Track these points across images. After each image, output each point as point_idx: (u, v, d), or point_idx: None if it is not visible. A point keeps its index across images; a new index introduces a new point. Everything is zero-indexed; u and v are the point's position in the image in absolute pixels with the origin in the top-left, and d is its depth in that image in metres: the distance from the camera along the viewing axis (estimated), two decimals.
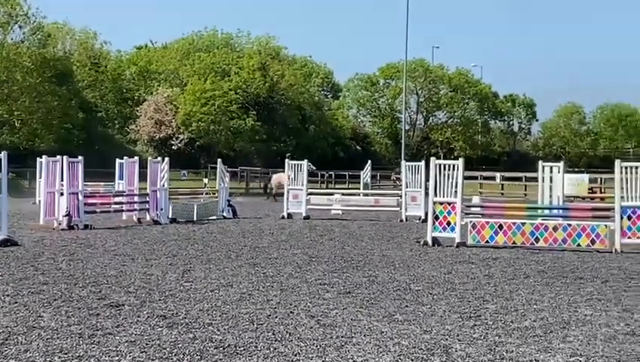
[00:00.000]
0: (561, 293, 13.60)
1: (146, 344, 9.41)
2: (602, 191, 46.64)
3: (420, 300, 12.73)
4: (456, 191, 21.56)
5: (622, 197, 20.54)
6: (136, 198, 29.02)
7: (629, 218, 20.34)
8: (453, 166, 21.82)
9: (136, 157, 31.01)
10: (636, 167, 20.85)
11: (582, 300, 12.95)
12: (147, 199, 28.41)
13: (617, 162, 21.10)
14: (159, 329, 10.23)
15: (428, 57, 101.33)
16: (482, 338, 10.00)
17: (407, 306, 12.15)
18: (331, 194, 37.07)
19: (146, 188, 28.82)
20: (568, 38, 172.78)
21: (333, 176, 67.61)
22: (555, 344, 9.72)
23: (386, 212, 32.87)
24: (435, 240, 21.38)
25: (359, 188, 44.66)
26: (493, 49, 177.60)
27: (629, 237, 20.34)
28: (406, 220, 30.84)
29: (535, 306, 12.33)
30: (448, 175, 21.65)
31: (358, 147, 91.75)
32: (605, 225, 20.57)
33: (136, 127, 79.48)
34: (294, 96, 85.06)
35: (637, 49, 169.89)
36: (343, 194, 37.20)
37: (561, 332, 10.42)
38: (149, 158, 30.68)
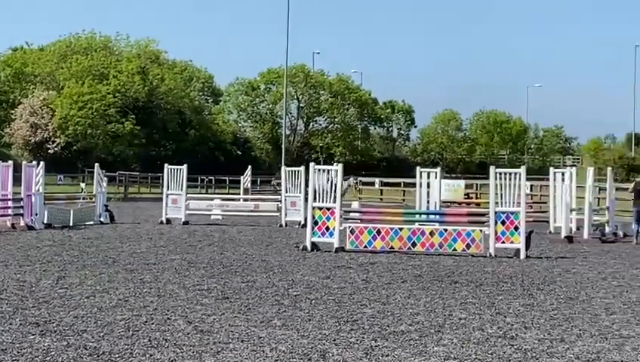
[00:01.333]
0: (437, 297, 13.85)
1: (18, 351, 9.20)
2: (478, 196, 47.59)
3: (298, 305, 12.78)
4: (335, 197, 21.73)
5: (496, 203, 21.05)
6: (9, 203, 28.21)
7: (503, 223, 20.84)
8: (329, 171, 22.00)
9: (10, 162, 30.11)
10: (510, 173, 21.38)
11: (456, 304, 13.22)
12: (21, 204, 27.71)
13: (492, 168, 21.61)
14: (32, 336, 10.01)
15: (309, 63, 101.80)
16: (359, 342, 10.10)
17: (285, 311, 12.18)
18: (211, 199, 36.86)
19: (20, 193, 28.09)
20: (448, 45, 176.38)
21: (213, 180, 67.29)
22: (429, 347, 9.90)
23: (265, 217, 32.85)
24: (314, 245, 21.48)
25: (239, 193, 44.52)
26: (374, 55, 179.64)
27: (502, 242, 20.84)
28: (286, 225, 30.88)
29: (411, 310, 12.52)
30: (328, 179, 21.82)
31: (238, 152, 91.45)
32: (480, 230, 21.04)
33: (11, 130, 77.53)
34: (174, 101, 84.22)
35: (512, 57, 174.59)
36: (222, 199, 37.07)
37: (435, 335, 10.62)
38: (24, 162, 29.93)
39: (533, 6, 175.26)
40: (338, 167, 22.20)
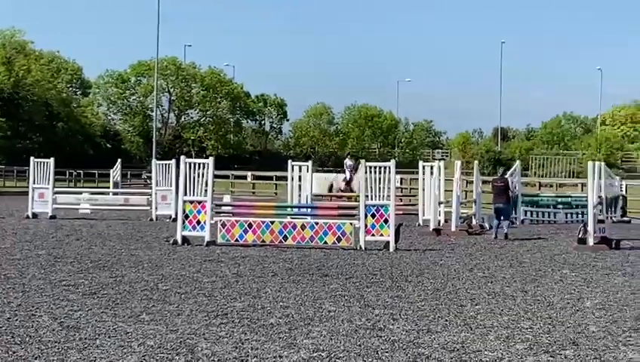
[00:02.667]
0: (307, 290, 13.93)
1: None
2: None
3: (167, 299, 12.67)
4: (206, 190, 21.62)
5: (367, 196, 21.30)
6: None
7: (373, 216, 21.12)
8: (204, 165, 21.87)
9: None
10: (380, 167, 21.66)
11: (326, 296, 13.32)
12: None
13: (362, 162, 21.86)
14: None
15: (180, 55, 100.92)
16: (228, 336, 10.08)
17: (154, 306, 12.06)
18: (79, 193, 36.12)
19: None
20: (320, 39, 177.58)
21: (82, 174, 66.04)
22: (299, 340, 9.95)
23: (136, 211, 32.44)
24: (184, 239, 21.33)
25: (109, 187, 43.80)
26: (246, 49, 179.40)
27: (372, 235, 21.12)
28: (156, 219, 30.57)
29: (281, 303, 12.56)
30: (199, 173, 21.68)
31: (108, 145, 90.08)
32: (351, 223, 21.25)
33: None
34: (41, 92, 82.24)
35: (382, 52, 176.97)
36: (91, 193, 36.36)
37: (305, 328, 10.68)
38: None
39: (404, 1, 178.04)
40: (209, 161, 22.08)
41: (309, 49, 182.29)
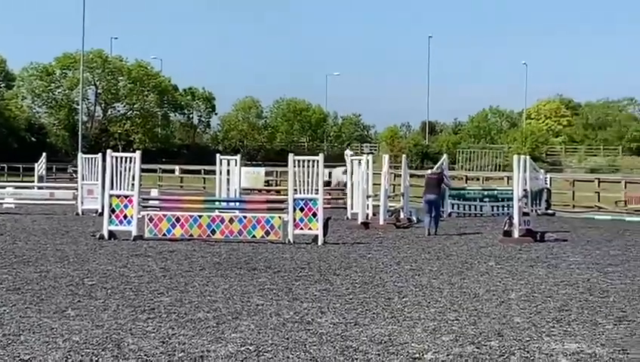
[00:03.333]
0: (235, 284, 13.91)
1: None
2: (278, 183, 48.18)
3: (93, 295, 12.55)
4: (133, 184, 21.44)
5: (295, 190, 21.32)
6: None
7: (302, 210, 21.14)
8: (131, 158, 21.68)
9: None
10: (308, 161, 21.69)
11: (255, 290, 13.32)
12: None
13: (291, 156, 21.87)
14: None
15: (106, 48, 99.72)
16: (155, 331, 10.02)
17: (79, 301, 11.93)
18: (3, 187, 35.50)
19: None
20: (248, 33, 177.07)
21: (5, 168, 64.98)
22: (227, 334, 9.93)
23: (61, 205, 32.02)
24: (111, 233, 21.12)
25: (34, 181, 43.12)
26: (174, 42, 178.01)
27: (301, 228, 21.14)
28: (82, 214, 30.18)
29: (209, 297, 12.52)
30: (125, 167, 21.48)
31: (33, 138, 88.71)
32: (279, 217, 21.25)
33: None
34: None
35: (311, 46, 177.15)
36: (15, 187, 35.78)
37: (233, 322, 10.67)
38: None
39: None
40: (136, 155, 21.89)
41: (238, 43, 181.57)
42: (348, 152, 38.88)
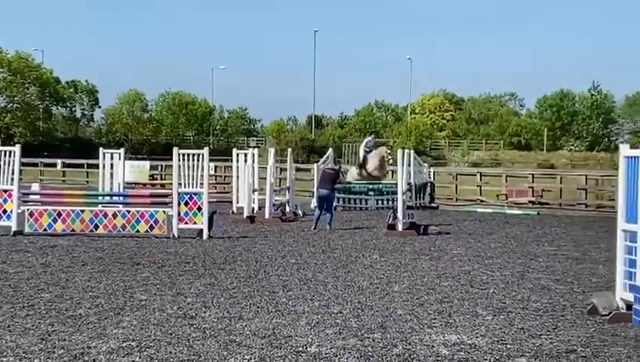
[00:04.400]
0: (118, 279, 13.74)
1: None
2: (163, 177, 47.63)
3: None
4: (12, 179, 20.94)
5: (180, 184, 21.15)
6: None
7: (186, 204, 20.98)
8: (10, 152, 21.17)
9: None
10: (193, 154, 21.54)
11: (138, 285, 13.18)
12: None
13: (175, 149, 21.67)
14: None
15: None
16: (34, 327, 9.82)
17: None
18: None
19: None
20: (133, 25, 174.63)
21: None
22: (109, 330, 9.80)
23: None
24: None
25: None
26: (56, 34, 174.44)
27: (186, 223, 20.99)
28: None
29: (91, 293, 12.34)
30: (5, 161, 20.96)
31: None
32: (164, 211, 21.06)
33: None
34: None
35: (197, 40, 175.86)
36: None
37: (115, 317, 10.53)
38: None
39: None
40: (16, 148, 21.37)
41: (123, 35, 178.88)
42: (369, 141, 36.41)
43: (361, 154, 35.34)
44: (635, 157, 10.82)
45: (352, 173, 35.62)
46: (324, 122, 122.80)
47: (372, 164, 33.89)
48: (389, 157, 34.36)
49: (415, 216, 23.76)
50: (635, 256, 10.85)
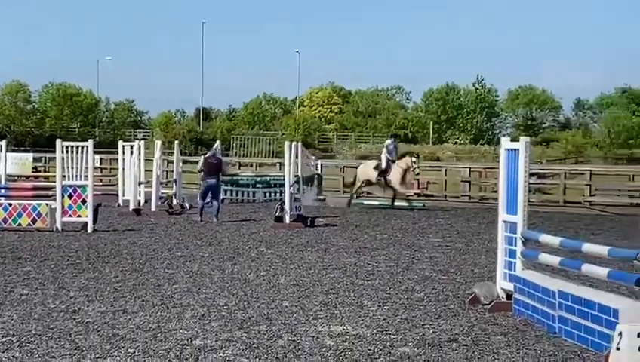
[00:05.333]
0: None
1: None
2: (47, 170, 46.67)
3: None
4: None
5: (64, 177, 20.75)
6: None
7: (70, 196, 20.61)
8: None
9: None
10: (78, 147, 21.17)
11: (19, 280, 12.91)
12: None
13: (59, 141, 21.26)
14: None
15: None
16: None
17: None
18: None
19: None
20: (15, 13, 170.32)
21: None
22: None
23: None
24: None
25: None
26: None
27: (70, 216, 20.62)
28: None
29: None
30: None
31: None
32: (47, 204, 20.63)
33: None
34: None
35: (82, 30, 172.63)
36: None
37: None
38: None
39: None
40: None
41: (4, 24, 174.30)
42: (390, 144, 32.24)
43: (383, 159, 31.05)
44: (515, 150, 11.08)
45: (365, 171, 32.19)
46: (213, 115, 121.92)
47: (396, 177, 30.15)
48: (415, 167, 31.11)
49: (302, 208, 23.81)
50: (515, 246, 11.12)
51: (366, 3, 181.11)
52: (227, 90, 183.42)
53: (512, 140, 11.68)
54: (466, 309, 11.15)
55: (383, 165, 30.47)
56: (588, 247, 10.03)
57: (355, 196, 32.78)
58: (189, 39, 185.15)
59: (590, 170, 37.89)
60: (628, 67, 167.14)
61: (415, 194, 36.80)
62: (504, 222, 11.47)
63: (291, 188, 23.51)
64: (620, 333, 8.08)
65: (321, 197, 35.12)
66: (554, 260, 10.65)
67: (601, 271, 9.45)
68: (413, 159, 30.98)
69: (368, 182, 32.12)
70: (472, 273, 14.60)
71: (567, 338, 9.37)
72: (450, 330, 9.86)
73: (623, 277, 9.33)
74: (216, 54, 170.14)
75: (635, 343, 7.97)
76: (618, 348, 8.07)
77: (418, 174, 31.40)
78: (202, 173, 25.91)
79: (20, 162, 40.36)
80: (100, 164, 43.59)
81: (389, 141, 32.65)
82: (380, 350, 8.87)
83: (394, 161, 30.61)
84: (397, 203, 31.39)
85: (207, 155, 26.43)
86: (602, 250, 9.76)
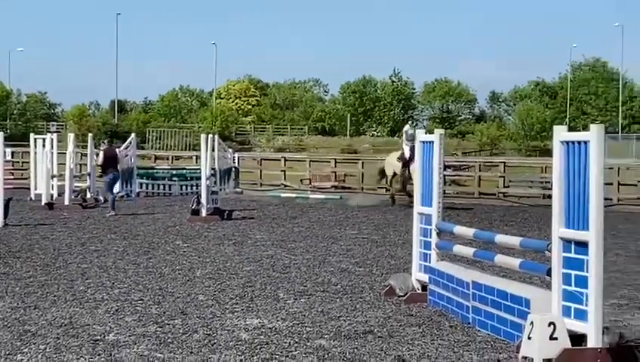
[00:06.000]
0: None
1: None
2: None
3: None
4: None
5: None
6: None
7: None
8: None
9: None
10: None
11: None
12: None
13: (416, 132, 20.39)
14: None
15: None
16: None
17: None
18: None
19: None
20: None
21: None
22: None
23: None
24: None
25: None
26: None
27: None
28: None
29: None
30: None
31: None
32: None
33: None
34: None
35: None
36: None
37: None
38: None
39: None
40: None
41: None
42: (408, 130, 29.23)
43: (406, 149, 27.57)
44: (430, 142, 11.19)
45: (391, 162, 29.46)
46: (128, 107, 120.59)
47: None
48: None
49: (219, 201, 23.72)
50: (430, 238, 11.25)
51: None
52: (143, 82, 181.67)
53: (426, 133, 11.79)
54: (382, 301, 11.22)
55: (407, 154, 26.99)
56: (501, 238, 10.21)
57: (393, 193, 29.23)
58: (104, 30, 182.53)
59: (504, 162, 38.57)
60: (541, 61, 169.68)
61: (332, 186, 37.00)
62: (419, 214, 11.59)
63: (208, 181, 23.39)
64: (532, 323, 8.23)
65: (239, 189, 35.04)
66: (468, 251, 10.81)
67: (514, 262, 9.62)
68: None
69: (394, 174, 29.08)
70: (388, 265, 14.71)
71: (480, 328, 9.51)
72: (365, 322, 9.92)
73: (534, 268, 9.51)
74: (132, 46, 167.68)
75: (546, 332, 8.13)
76: (529, 338, 8.22)
77: None
78: (103, 167, 25.76)
79: None
80: (12, 157, 42.71)
81: (407, 127, 30.04)
82: (296, 343, 8.88)
83: (412, 146, 24.78)
84: (313, 195, 31.47)
85: (104, 148, 26.17)
86: (515, 241, 9.95)
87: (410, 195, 19.80)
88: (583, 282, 8.14)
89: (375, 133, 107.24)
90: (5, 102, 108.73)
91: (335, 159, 42.71)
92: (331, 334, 9.29)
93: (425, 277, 11.31)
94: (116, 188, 26.52)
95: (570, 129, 8.35)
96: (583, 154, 8.13)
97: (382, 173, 30.07)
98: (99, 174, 28.54)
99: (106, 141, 28.52)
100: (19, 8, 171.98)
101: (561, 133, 8.47)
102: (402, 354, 8.45)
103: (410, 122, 27.85)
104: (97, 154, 27.07)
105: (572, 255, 8.27)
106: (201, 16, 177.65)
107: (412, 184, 21.44)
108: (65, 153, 28.58)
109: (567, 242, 8.34)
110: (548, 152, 71.99)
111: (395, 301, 11.18)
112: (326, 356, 8.37)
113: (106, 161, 25.40)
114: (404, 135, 29.04)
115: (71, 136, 29.23)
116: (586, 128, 8.34)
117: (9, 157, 38.80)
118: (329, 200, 31.86)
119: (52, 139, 27.93)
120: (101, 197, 27.96)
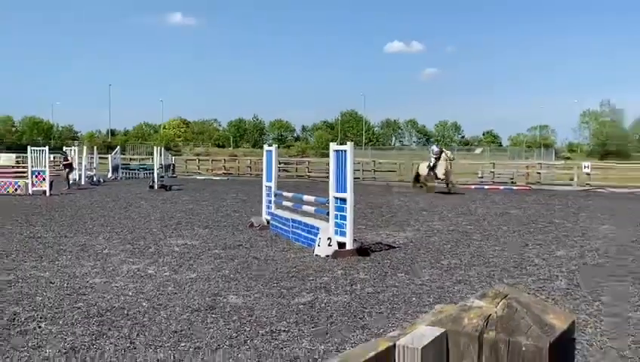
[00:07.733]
0: None
1: None
2: None
3: None
4: None
5: None
6: None
7: None
8: None
9: None
10: None
11: None
12: None
13: (446, 151, 18.34)
14: None
15: None
16: None
17: None
18: None
19: None
20: None
21: None
22: None
23: None
24: None
25: None
26: None
27: None
28: None
29: None
30: None
31: None
32: None
33: None
34: None
35: None
36: None
37: None
38: None
39: None
40: None
41: None
42: (434, 148, 23.53)
43: (432, 160, 22.71)
44: (344, 150, 10.90)
45: (423, 168, 23.66)
46: (117, 133, 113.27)
47: (441, 170, 22.30)
48: (452, 156, 23.35)
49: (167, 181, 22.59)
50: (271, 198, 11.07)
51: None
52: (124, 118, 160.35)
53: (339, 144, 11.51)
54: (247, 230, 11.00)
55: (432, 164, 22.59)
56: (306, 197, 10.20)
57: (424, 185, 23.20)
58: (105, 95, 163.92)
59: (309, 160, 38.81)
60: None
61: (223, 173, 35.94)
62: (266, 186, 11.44)
63: (158, 171, 22.33)
64: (320, 238, 8.28)
65: (174, 175, 33.55)
66: (289, 204, 10.75)
67: (311, 209, 9.64)
68: (448, 152, 23.25)
69: (423, 177, 23.86)
70: (251, 211, 14.40)
71: (295, 242, 9.48)
72: (239, 240, 9.69)
73: (321, 212, 9.55)
74: (119, 98, 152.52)
75: (326, 242, 8.21)
76: (319, 245, 8.27)
77: (453, 159, 23.04)
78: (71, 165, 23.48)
79: None
80: (53, 159, 39.11)
81: (434, 147, 24.51)
82: (203, 252, 8.56)
83: (438, 159, 22.35)
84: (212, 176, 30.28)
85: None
86: (312, 198, 9.95)
87: (430, 187, 21.42)
88: (343, 218, 8.25)
89: (244, 146, 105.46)
90: (50, 132, 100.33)
91: (224, 159, 41.75)
92: (222, 246, 9.01)
93: (268, 218, 11.17)
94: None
95: (339, 145, 8.39)
96: (343, 156, 8.23)
97: (417, 175, 24.37)
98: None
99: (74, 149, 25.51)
100: None
101: (334, 146, 8.56)
102: (256, 255, 8.30)
103: (436, 142, 22.81)
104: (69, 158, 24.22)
105: (339, 205, 8.36)
106: (151, 84, 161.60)
107: (434, 181, 22.20)
108: (82, 156, 26.51)
109: (336, 199, 8.42)
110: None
111: (254, 230, 10.97)
112: (218, 257, 8.12)
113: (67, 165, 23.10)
114: (430, 151, 24.65)
115: (85, 148, 27.12)
116: (344, 144, 8.43)
117: (51, 159, 35.65)
118: (222, 180, 31.08)
119: (76, 150, 25.83)
120: (101, 180, 26.12)
